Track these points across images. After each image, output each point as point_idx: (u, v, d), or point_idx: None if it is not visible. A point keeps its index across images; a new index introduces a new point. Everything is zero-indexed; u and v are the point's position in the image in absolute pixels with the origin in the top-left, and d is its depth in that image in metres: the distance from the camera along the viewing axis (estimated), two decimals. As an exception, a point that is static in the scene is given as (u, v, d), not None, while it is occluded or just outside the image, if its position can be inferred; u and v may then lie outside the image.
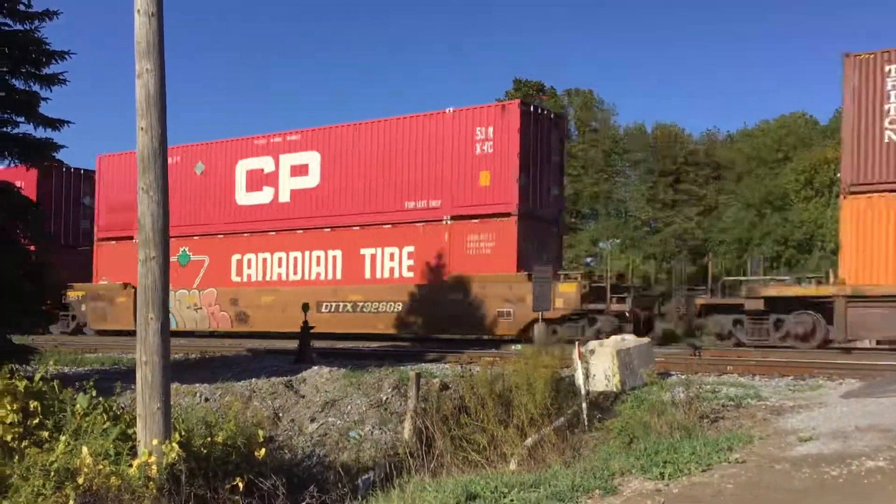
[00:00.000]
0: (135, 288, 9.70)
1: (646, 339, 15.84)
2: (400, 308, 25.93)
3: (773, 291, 21.26)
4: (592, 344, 14.24)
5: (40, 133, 16.55)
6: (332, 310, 27.04)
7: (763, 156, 53.21)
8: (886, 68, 20.20)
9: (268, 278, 28.74)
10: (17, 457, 7.49)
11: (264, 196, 29.04)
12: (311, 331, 20.41)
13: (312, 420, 14.15)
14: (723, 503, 6.93)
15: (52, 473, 7.08)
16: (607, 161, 56.30)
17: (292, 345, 20.96)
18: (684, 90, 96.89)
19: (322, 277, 27.80)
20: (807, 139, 52.80)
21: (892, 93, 20.08)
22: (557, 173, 26.94)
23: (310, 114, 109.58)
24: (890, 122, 20.13)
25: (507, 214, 24.59)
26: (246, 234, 29.41)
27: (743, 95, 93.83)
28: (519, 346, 19.91)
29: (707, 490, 7.27)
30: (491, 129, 24.97)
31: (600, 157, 55.00)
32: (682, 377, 13.51)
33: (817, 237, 42.27)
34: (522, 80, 56.31)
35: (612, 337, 15.64)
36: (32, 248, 16.70)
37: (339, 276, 27.48)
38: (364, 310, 26.51)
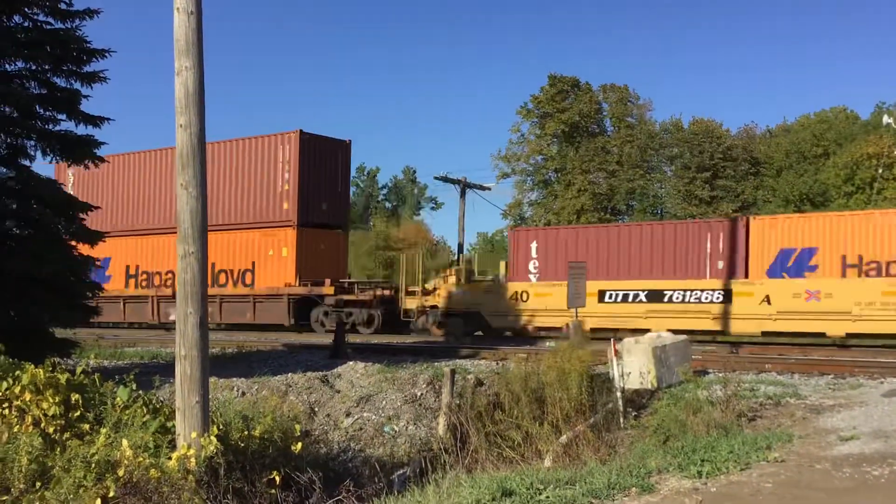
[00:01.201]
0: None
1: (682, 336, 15.69)
2: None
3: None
4: (628, 341, 14.14)
5: (81, 130, 16.76)
6: None
7: (802, 151, 52.40)
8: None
9: None
10: (58, 449, 7.60)
11: None
12: None
13: (348, 415, 14.21)
14: (762, 502, 6.85)
15: (93, 465, 7.17)
16: (643, 156, 55.76)
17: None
18: (722, 84, 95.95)
19: None
20: (847, 134, 51.88)
21: None
22: None
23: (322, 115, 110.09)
24: None
25: None
26: None
27: (782, 90, 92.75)
28: (553, 343, 19.91)
29: (745, 489, 7.19)
30: None
31: (636, 152, 54.51)
32: (720, 375, 13.38)
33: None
34: (557, 75, 55.97)
35: (648, 334, 15.52)
36: (73, 242, 16.91)
37: None
38: None
